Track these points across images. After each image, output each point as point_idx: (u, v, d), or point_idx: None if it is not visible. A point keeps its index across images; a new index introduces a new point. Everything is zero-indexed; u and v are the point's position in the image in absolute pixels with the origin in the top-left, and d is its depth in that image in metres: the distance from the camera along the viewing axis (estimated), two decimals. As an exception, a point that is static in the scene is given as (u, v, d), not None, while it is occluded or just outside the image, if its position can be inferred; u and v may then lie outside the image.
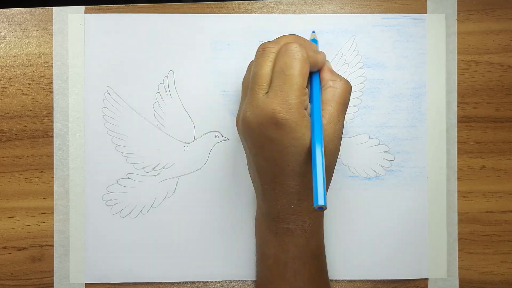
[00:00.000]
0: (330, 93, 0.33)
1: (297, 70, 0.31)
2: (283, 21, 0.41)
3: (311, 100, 0.33)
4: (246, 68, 0.36)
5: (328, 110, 0.32)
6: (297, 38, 0.34)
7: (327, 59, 0.36)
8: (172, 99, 0.41)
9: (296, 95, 0.30)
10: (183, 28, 0.41)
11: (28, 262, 0.41)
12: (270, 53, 0.32)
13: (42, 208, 0.41)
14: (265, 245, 0.36)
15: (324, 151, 0.30)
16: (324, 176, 0.29)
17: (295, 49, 0.31)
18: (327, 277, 0.37)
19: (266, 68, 0.32)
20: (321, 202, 0.28)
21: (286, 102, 0.30)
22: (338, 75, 0.34)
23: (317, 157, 0.29)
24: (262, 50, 0.33)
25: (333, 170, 0.35)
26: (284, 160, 0.31)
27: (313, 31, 0.40)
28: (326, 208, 0.28)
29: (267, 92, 0.31)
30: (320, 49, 0.40)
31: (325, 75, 0.34)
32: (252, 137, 0.32)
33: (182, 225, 0.40)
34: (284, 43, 0.32)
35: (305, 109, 0.31)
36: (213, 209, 0.40)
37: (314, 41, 0.38)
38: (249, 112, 0.32)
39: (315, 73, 0.34)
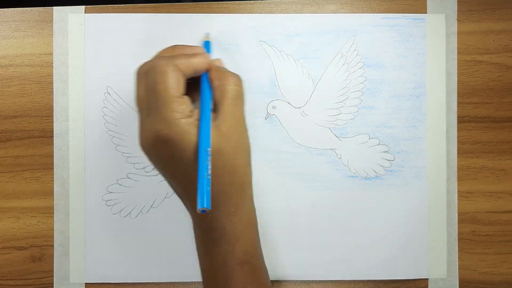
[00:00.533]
0: (219, 91, 0.33)
1: (164, 84, 0.31)
2: (283, 21, 0.41)
3: (200, 105, 0.33)
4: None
5: (221, 110, 0.32)
6: (171, 49, 0.34)
7: (218, 58, 0.36)
8: (172, 99, 0.41)
9: (171, 108, 0.30)
10: (183, 28, 0.41)
11: (28, 262, 0.41)
12: (142, 74, 0.32)
13: (42, 208, 0.41)
14: (200, 259, 0.35)
15: (222, 151, 0.31)
16: (207, 177, 0.29)
17: (158, 64, 0.31)
18: (266, 281, 0.35)
19: (141, 90, 0.32)
20: (203, 205, 0.28)
21: (163, 118, 0.30)
22: (226, 71, 0.34)
23: (200, 160, 0.29)
24: (137, 74, 0.33)
25: (245, 167, 0.34)
26: (182, 173, 0.31)
27: (207, 33, 0.40)
28: (209, 210, 0.28)
29: (149, 115, 0.31)
30: (320, 49, 0.40)
31: (212, 74, 0.34)
32: (151, 159, 0.33)
33: (182, 225, 0.40)
34: (150, 61, 0.32)
35: (191, 116, 0.31)
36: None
37: (207, 43, 0.38)
38: (141, 137, 0.32)
39: (203, 75, 0.34)
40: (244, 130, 0.34)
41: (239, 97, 0.33)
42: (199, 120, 0.31)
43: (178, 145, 0.30)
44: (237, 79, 0.34)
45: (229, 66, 0.40)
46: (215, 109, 0.33)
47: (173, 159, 0.31)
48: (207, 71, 0.34)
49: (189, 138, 0.30)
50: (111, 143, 0.40)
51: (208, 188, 0.29)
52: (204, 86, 0.34)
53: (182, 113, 0.31)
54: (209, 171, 0.30)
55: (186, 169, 0.31)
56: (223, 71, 0.34)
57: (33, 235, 0.41)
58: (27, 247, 0.41)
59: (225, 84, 0.33)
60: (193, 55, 0.33)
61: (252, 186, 0.35)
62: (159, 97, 0.30)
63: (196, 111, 0.32)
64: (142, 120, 0.32)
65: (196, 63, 0.33)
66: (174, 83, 0.31)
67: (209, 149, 0.30)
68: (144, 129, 0.32)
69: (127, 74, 0.41)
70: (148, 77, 0.31)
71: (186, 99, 0.32)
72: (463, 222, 0.41)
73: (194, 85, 0.34)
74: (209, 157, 0.30)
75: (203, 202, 0.28)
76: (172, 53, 0.34)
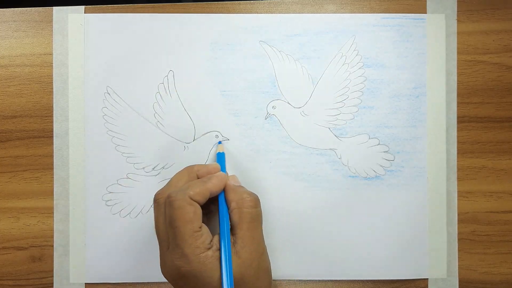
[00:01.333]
0: (237, 215, 0.33)
1: (181, 220, 0.31)
2: (283, 21, 0.41)
3: (220, 229, 0.33)
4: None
5: (239, 235, 0.32)
6: (187, 173, 0.35)
7: (233, 175, 0.36)
8: (172, 99, 0.41)
9: (189, 243, 0.31)
10: (183, 28, 0.41)
11: (28, 262, 0.41)
12: (160, 205, 0.33)
13: (42, 208, 0.41)
14: None
15: (244, 278, 0.31)
16: None
17: (175, 199, 0.31)
18: None
19: (161, 222, 0.33)
20: None
21: (182, 254, 0.31)
22: (242, 191, 0.34)
23: None
24: (155, 202, 0.33)
25: None
26: None
27: (219, 142, 0.40)
28: None
29: (169, 247, 0.32)
30: (320, 49, 0.40)
31: (229, 196, 0.34)
32: (175, 287, 0.33)
33: (182, 225, 0.40)
34: (167, 193, 0.32)
35: (210, 248, 0.31)
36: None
37: (220, 156, 0.38)
38: (163, 269, 0.33)
39: (220, 195, 0.34)
40: (264, 251, 0.34)
41: (257, 219, 0.34)
42: (220, 251, 0.32)
43: (198, 280, 0.31)
44: (254, 200, 0.34)
45: (229, 66, 0.40)
46: (233, 232, 0.33)
47: None
48: (224, 191, 0.35)
49: (210, 274, 0.31)
50: (111, 143, 0.40)
51: None
52: (222, 210, 0.34)
53: (201, 247, 0.31)
54: None
55: None
56: (239, 192, 0.34)
57: (33, 235, 0.41)
58: (27, 247, 0.41)
59: (242, 207, 0.33)
60: (208, 179, 0.34)
61: None
62: (178, 233, 0.31)
63: (216, 239, 0.32)
64: (162, 251, 0.33)
65: (212, 188, 0.33)
66: (191, 218, 0.31)
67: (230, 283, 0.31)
68: (165, 261, 0.32)
69: (127, 74, 0.41)
70: (166, 211, 0.32)
71: (205, 229, 0.32)
72: (463, 222, 0.41)
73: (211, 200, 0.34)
74: None
75: None
76: (187, 179, 0.34)
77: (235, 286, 0.31)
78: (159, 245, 0.33)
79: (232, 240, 0.33)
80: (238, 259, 0.32)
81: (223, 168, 0.38)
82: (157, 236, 0.33)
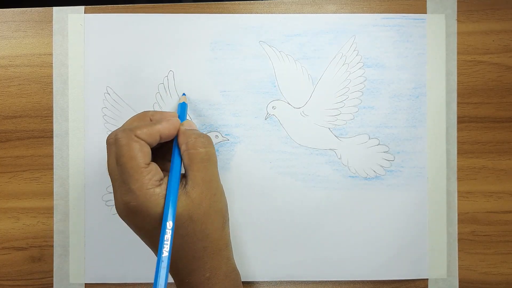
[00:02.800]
0: (187, 157, 0.33)
1: (126, 156, 0.31)
2: (283, 21, 0.41)
3: (169, 172, 0.33)
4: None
5: (190, 176, 0.32)
6: (139, 117, 0.34)
7: (187, 120, 0.35)
8: (172, 99, 0.41)
9: (136, 179, 0.30)
10: (183, 28, 0.41)
11: (28, 262, 0.41)
12: (111, 146, 0.32)
13: (42, 208, 0.41)
14: None
15: (193, 217, 0.31)
16: (168, 260, 0.29)
17: (120, 137, 0.31)
18: None
19: (111, 162, 0.32)
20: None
21: (129, 190, 0.30)
22: (193, 133, 0.34)
23: (164, 236, 0.30)
24: (107, 144, 0.33)
25: (220, 231, 0.33)
26: (154, 239, 0.32)
27: (184, 94, 0.40)
28: None
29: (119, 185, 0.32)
30: (320, 49, 0.40)
31: (180, 139, 0.34)
32: (127, 224, 0.33)
33: (182, 225, 0.40)
34: (112, 134, 0.32)
35: (160, 185, 0.31)
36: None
37: (182, 105, 0.38)
38: (116, 207, 0.32)
39: (174, 140, 0.34)
40: (216, 192, 0.33)
41: (209, 159, 0.33)
42: (167, 189, 0.31)
43: (146, 216, 0.31)
44: (205, 140, 0.33)
45: (229, 66, 0.40)
46: (185, 174, 0.33)
47: (143, 228, 0.32)
48: (177, 135, 0.34)
49: (156, 209, 0.30)
50: (111, 143, 0.40)
51: (166, 275, 0.29)
52: (174, 152, 0.34)
53: (148, 183, 0.31)
54: (168, 248, 0.30)
55: (156, 238, 0.31)
56: (190, 134, 0.34)
57: (33, 235, 0.41)
58: (27, 247, 0.41)
59: (192, 148, 0.33)
60: (159, 121, 0.33)
61: (231, 247, 0.35)
62: (124, 169, 0.31)
63: (166, 179, 0.32)
64: (114, 189, 0.32)
65: (161, 130, 0.33)
66: (136, 154, 0.31)
67: (171, 222, 0.30)
68: (116, 198, 0.32)
69: (127, 74, 0.41)
70: (112, 149, 0.32)
71: (154, 167, 0.32)
72: (463, 222, 0.41)
73: (167, 150, 0.34)
74: (171, 231, 0.30)
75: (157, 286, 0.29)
76: (139, 122, 0.34)
77: (183, 225, 0.31)
78: (112, 185, 0.33)
79: (183, 182, 0.32)
80: (187, 199, 0.31)
81: (182, 118, 0.37)
82: (109, 176, 0.33)
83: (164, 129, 0.33)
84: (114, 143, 0.32)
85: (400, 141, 0.41)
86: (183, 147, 0.33)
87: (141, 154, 0.31)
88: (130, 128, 0.32)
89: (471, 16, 0.41)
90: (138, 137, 0.31)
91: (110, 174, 0.33)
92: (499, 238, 0.41)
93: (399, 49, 0.41)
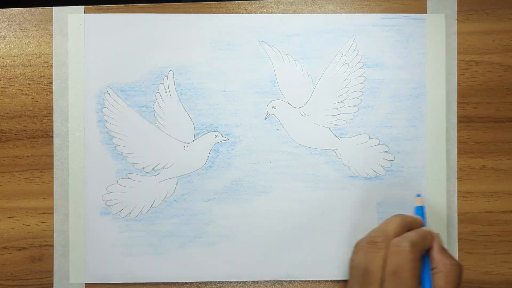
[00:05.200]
0: (443, 279, 0.33)
1: (410, 272, 0.31)
2: (283, 21, 0.41)
3: (422, 284, 0.34)
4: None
5: None
6: (403, 225, 0.35)
7: (437, 232, 0.36)
8: (172, 99, 0.41)
9: None
10: (183, 28, 0.41)
11: (28, 262, 0.41)
12: (380, 248, 0.33)
13: (42, 208, 0.41)
14: None
15: None
16: None
17: (407, 249, 0.32)
18: None
19: (377, 265, 0.32)
20: None
21: None
22: (449, 255, 0.35)
23: None
24: (371, 244, 0.34)
25: None
26: None
27: (418, 195, 0.40)
28: None
29: None
30: (320, 49, 0.40)
31: (435, 255, 0.35)
32: None
33: (181, 225, 0.40)
34: (394, 240, 0.33)
35: None
36: (212, 209, 0.40)
37: (420, 209, 0.39)
38: None
39: (424, 253, 0.35)
40: None
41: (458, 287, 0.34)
42: None
43: None
44: (461, 270, 0.34)
45: (229, 66, 0.40)
46: None
47: None
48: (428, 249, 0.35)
49: None
50: (111, 143, 0.40)
51: None
52: (426, 269, 0.35)
53: None
54: None
55: None
56: (447, 256, 0.35)
57: (33, 235, 0.41)
58: (27, 247, 0.41)
59: (450, 272, 0.33)
60: (426, 235, 0.35)
61: None
62: (403, 284, 0.31)
63: None
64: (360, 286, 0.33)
65: (428, 245, 0.35)
66: (418, 273, 0.32)
67: None
68: None
69: (127, 74, 0.41)
70: (390, 256, 0.32)
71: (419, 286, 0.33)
72: (463, 222, 0.41)
73: None
74: None
75: None
76: (402, 228, 0.35)
77: None
78: (358, 283, 0.33)
79: None
80: None
81: (424, 222, 0.38)
82: (359, 273, 0.33)
83: (430, 244, 0.35)
84: (397, 252, 0.32)
85: (400, 141, 0.41)
86: (440, 267, 0.34)
87: (419, 273, 0.32)
88: (412, 241, 0.33)
89: (471, 16, 0.41)
90: (419, 255, 0.33)
91: (367, 275, 0.33)
92: (499, 238, 0.41)
93: (399, 49, 0.41)
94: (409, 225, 0.36)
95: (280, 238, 0.40)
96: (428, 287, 0.34)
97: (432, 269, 0.34)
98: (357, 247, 0.36)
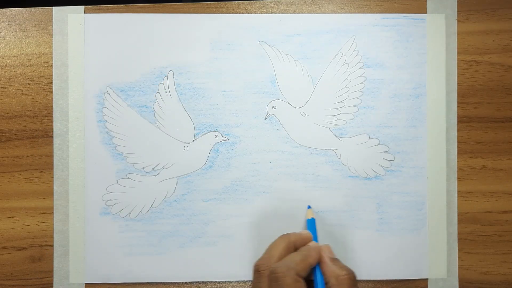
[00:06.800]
0: None
1: None
2: (283, 21, 0.41)
3: None
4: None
5: None
6: (287, 246, 0.35)
7: (326, 244, 0.36)
8: (172, 99, 0.41)
9: None
10: (183, 28, 0.41)
11: (27, 262, 0.41)
12: (264, 277, 0.33)
13: (42, 208, 0.41)
14: None
15: None
16: None
17: (283, 275, 0.32)
18: None
19: None
20: None
21: None
22: (340, 265, 0.35)
23: None
24: (256, 273, 0.34)
25: None
26: None
27: (309, 207, 0.40)
28: None
29: None
30: (320, 49, 0.40)
31: (326, 269, 0.35)
32: None
33: (181, 225, 0.40)
34: (271, 267, 0.33)
35: None
36: (212, 209, 0.40)
37: (310, 222, 0.38)
38: None
39: (316, 269, 0.35)
40: None
41: None
42: None
43: None
44: (353, 278, 0.34)
45: (229, 66, 0.40)
46: None
47: None
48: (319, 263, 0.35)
49: None
50: (111, 143, 0.40)
51: None
52: (318, 285, 0.35)
53: None
54: None
55: None
56: (338, 267, 0.34)
57: (33, 235, 0.41)
58: (27, 247, 0.41)
59: (342, 285, 0.33)
60: (308, 252, 0.35)
61: None
62: None
63: None
64: None
65: (313, 261, 0.34)
66: None
67: None
68: None
69: (127, 74, 0.41)
70: (271, 285, 0.32)
71: None
72: (463, 222, 0.41)
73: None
74: None
75: None
76: (285, 250, 0.35)
77: None
78: None
79: None
80: None
81: (314, 236, 0.38)
82: None
83: (314, 260, 0.35)
84: (273, 278, 0.32)
85: (400, 141, 0.41)
86: (332, 281, 0.34)
87: None
88: (288, 265, 0.33)
89: (471, 16, 0.41)
90: (299, 276, 0.32)
91: None
92: (499, 238, 0.41)
93: (399, 49, 0.41)
94: (293, 244, 0.36)
95: (280, 238, 0.40)
96: None
97: (326, 283, 0.34)
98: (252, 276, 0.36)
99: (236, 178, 0.40)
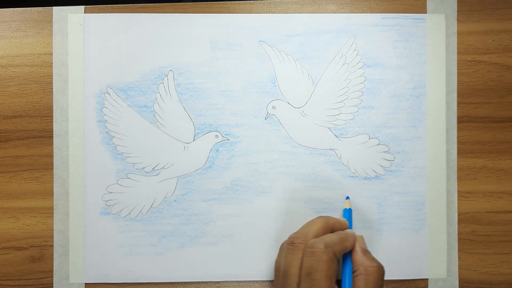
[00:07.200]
0: (363, 281, 0.33)
1: (323, 274, 0.31)
2: (283, 21, 0.41)
3: (342, 285, 0.34)
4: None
5: None
6: (324, 226, 0.35)
7: (361, 235, 0.37)
8: (172, 99, 0.41)
9: None
10: (183, 28, 0.41)
11: (28, 262, 0.41)
12: (298, 249, 0.33)
13: (42, 208, 0.41)
14: None
15: None
16: None
17: (321, 251, 0.32)
18: None
19: (295, 267, 0.33)
20: None
21: None
22: (371, 257, 0.35)
23: None
24: (291, 245, 0.34)
25: None
26: None
27: (347, 197, 0.40)
28: None
29: None
30: (320, 49, 0.40)
31: (357, 258, 0.35)
32: None
33: (181, 225, 0.40)
34: (310, 242, 0.33)
35: None
36: (212, 209, 0.40)
37: (347, 212, 0.39)
38: None
39: (347, 255, 0.35)
40: None
41: None
42: None
43: None
44: (382, 272, 0.34)
45: (229, 66, 0.40)
46: None
47: None
48: (350, 251, 0.36)
49: None
50: (111, 143, 0.40)
51: None
52: (346, 271, 0.35)
53: None
54: None
55: None
56: (369, 257, 0.35)
57: (33, 235, 0.41)
58: (27, 247, 0.41)
59: (370, 275, 0.33)
60: (346, 237, 0.35)
61: None
62: (316, 285, 0.31)
63: None
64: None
65: (348, 247, 0.35)
66: (332, 274, 0.32)
67: None
68: None
69: (127, 74, 0.41)
70: (305, 258, 0.32)
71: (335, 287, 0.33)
72: (463, 222, 0.41)
73: None
74: None
75: None
76: (323, 229, 0.35)
77: None
78: (280, 284, 0.33)
79: None
80: None
81: (350, 225, 0.38)
82: (281, 278, 0.33)
83: (350, 246, 0.35)
84: (308, 252, 0.32)
85: (400, 141, 0.41)
86: (360, 269, 0.34)
87: (335, 275, 0.32)
88: (329, 243, 0.33)
89: (471, 16, 0.41)
90: (335, 256, 0.32)
91: (286, 276, 0.33)
92: (499, 238, 0.41)
93: (399, 49, 0.41)
94: (331, 226, 0.36)
95: (280, 238, 0.40)
96: None
97: (353, 271, 0.34)
98: (281, 248, 0.36)
99: (236, 178, 0.40)
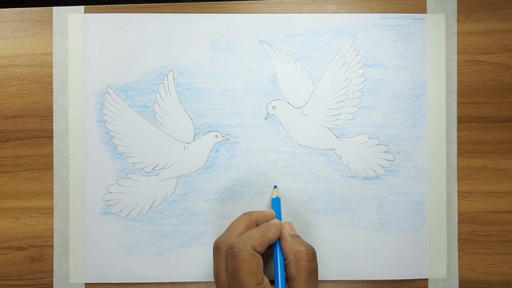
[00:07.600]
0: (294, 268, 0.33)
1: (246, 272, 0.31)
2: (283, 21, 0.41)
3: (275, 280, 0.33)
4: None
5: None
6: (247, 223, 0.35)
7: (288, 222, 0.36)
8: (172, 99, 0.41)
9: None
10: (183, 28, 0.41)
11: (27, 262, 0.41)
12: (222, 253, 0.33)
13: (42, 208, 0.41)
14: None
15: None
16: None
17: (239, 250, 0.31)
18: None
19: (222, 271, 0.33)
20: None
21: None
22: (299, 241, 0.34)
23: None
24: (216, 250, 0.33)
25: None
26: None
27: (275, 186, 0.40)
28: None
29: None
30: (320, 49, 0.40)
31: (286, 245, 0.34)
32: None
33: (181, 225, 0.40)
34: (229, 243, 0.33)
35: None
36: (212, 209, 0.40)
37: (275, 201, 0.38)
38: None
39: (275, 245, 0.35)
40: None
41: (314, 273, 0.33)
42: None
43: None
44: (312, 254, 0.33)
45: (229, 66, 0.40)
46: (290, 284, 0.33)
47: None
48: (278, 240, 0.35)
49: None
50: (111, 143, 0.40)
51: None
52: (277, 261, 0.34)
53: None
54: None
55: None
56: (296, 243, 0.34)
57: (33, 235, 0.41)
58: (27, 247, 0.41)
59: (300, 260, 0.33)
60: (267, 228, 0.34)
61: None
62: (242, 285, 0.31)
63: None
64: None
65: (271, 238, 0.34)
66: (255, 270, 0.31)
67: None
68: None
69: (127, 74, 0.41)
70: (228, 261, 0.32)
71: (266, 281, 0.32)
72: (463, 222, 0.41)
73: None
74: None
75: None
76: (246, 227, 0.34)
77: None
78: None
79: None
80: None
81: (278, 214, 0.37)
82: (216, 283, 0.33)
83: (273, 236, 0.34)
84: (229, 254, 0.32)
85: (400, 141, 0.41)
86: (290, 257, 0.33)
87: (259, 269, 0.32)
88: (246, 240, 0.32)
89: (471, 16, 0.41)
90: (255, 251, 0.32)
91: (218, 283, 0.33)
92: (499, 238, 0.41)
93: (399, 49, 0.41)
94: (254, 221, 0.35)
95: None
96: (282, 279, 0.33)
97: (285, 260, 0.34)
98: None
99: (236, 178, 0.40)
